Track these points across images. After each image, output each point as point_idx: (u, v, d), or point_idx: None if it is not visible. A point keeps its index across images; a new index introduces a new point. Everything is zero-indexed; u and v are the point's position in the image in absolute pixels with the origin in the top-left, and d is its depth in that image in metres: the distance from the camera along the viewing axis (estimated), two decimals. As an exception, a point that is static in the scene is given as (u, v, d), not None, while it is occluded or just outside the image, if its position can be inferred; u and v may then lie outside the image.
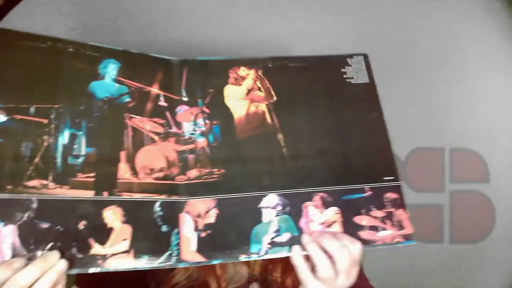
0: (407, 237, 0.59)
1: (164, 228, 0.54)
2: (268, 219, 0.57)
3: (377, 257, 0.84)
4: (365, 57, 0.69)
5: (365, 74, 0.68)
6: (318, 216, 0.58)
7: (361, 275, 0.74)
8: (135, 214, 0.53)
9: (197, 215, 0.55)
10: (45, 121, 0.53)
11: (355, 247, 0.54)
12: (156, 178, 0.57)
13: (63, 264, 0.47)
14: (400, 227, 0.59)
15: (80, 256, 0.50)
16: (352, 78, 0.67)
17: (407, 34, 1.18)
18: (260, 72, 0.65)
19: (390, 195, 0.60)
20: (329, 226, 0.57)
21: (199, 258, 0.54)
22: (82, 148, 0.54)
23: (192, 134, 0.60)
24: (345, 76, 0.67)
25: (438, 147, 1.20)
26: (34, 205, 0.50)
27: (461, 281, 1.19)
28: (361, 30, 1.17)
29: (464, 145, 1.20)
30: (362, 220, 0.58)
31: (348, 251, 0.53)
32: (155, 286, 0.66)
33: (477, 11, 1.19)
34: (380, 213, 0.59)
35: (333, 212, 0.58)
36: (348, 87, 0.66)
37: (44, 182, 0.51)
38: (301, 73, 0.66)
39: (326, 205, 0.58)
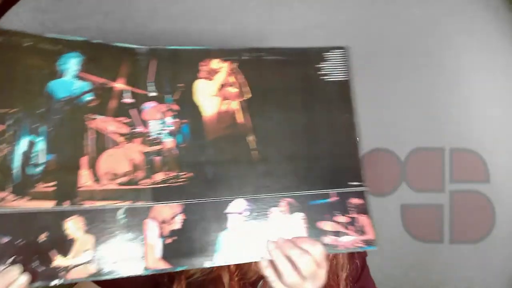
0: (368, 243, 0.59)
1: (129, 236, 0.53)
2: (234, 225, 0.56)
3: (376, 257, 0.84)
4: (344, 51, 0.65)
5: (343, 70, 0.64)
6: (284, 221, 0.57)
7: (368, 277, 0.75)
8: (97, 223, 0.52)
9: (162, 221, 0.54)
10: (1, 127, 0.50)
11: (316, 250, 0.54)
12: (120, 184, 0.54)
13: (24, 278, 0.47)
14: (362, 232, 0.59)
15: (42, 268, 0.48)
16: (328, 75, 0.64)
17: (407, 34, 1.18)
18: (234, 66, 0.62)
19: (355, 201, 0.60)
20: (294, 231, 0.57)
21: (163, 265, 0.53)
22: (42, 155, 0.51)
23: (159, 133, 0.57)
24: (320, 73, 0.64)
25: (438, 147, 1.20)
26: None
27: (461, 281, 1.19)
28: (360, 30, 1.17)
29: (464, 145, 1.20)
30: (325, 225, 0.58)
31: (309, 256, 0.53)
32: (167, 278, 0.67)
33: (477, 11, 1.19)
34: (343, 219, 0.59)
35: (298, 218, 0.58)
36: (323, 86, 0.63)
37: (2, 194, 0.49)
38: (276, 68, 0.63)
39: (292, 210, 0.58)
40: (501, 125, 1.20)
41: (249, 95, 0.61)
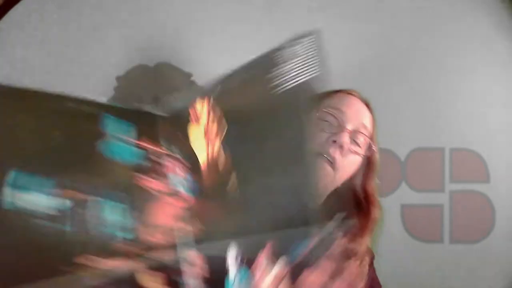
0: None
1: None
2: (232, 273, 0.58)
3: (376, 256, 0.84)
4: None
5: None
6: (269, 268, 0.54)
7: (375, 279, 0.75)
8: None
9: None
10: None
11: None
12: (164, 235, 0.60)
13: None
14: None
15: None
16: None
17: (407, 34, 1.18)
18: (211, 101, 0.62)
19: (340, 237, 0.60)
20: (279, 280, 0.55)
21: None
22: (127, 220, 0.58)
23: (181, 188, 0.62)
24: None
25: (438, 147, 1.20)
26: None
27: (461, 281, 1.19)
28: (361, 30, 1.17)
29: (464, 145, 1.20)
30: (311, 275, 0.54)
31: None
32: None
33: (478, 11, 1.19)
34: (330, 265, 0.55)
35: (281, 264, 0.55)
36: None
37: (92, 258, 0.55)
38: (243, 88, 0.61)
39: (276, 255, 0.54)
40: (501, 125, 1.20)
41: (226, 127, 0.60)
